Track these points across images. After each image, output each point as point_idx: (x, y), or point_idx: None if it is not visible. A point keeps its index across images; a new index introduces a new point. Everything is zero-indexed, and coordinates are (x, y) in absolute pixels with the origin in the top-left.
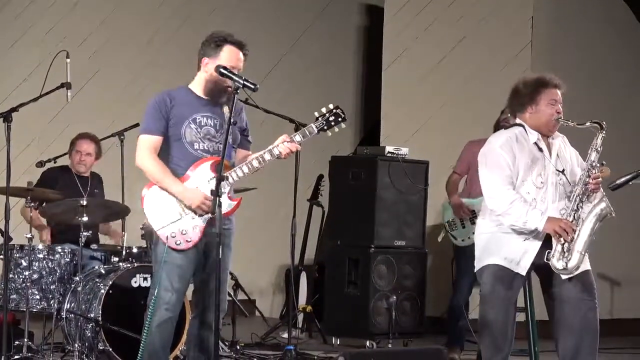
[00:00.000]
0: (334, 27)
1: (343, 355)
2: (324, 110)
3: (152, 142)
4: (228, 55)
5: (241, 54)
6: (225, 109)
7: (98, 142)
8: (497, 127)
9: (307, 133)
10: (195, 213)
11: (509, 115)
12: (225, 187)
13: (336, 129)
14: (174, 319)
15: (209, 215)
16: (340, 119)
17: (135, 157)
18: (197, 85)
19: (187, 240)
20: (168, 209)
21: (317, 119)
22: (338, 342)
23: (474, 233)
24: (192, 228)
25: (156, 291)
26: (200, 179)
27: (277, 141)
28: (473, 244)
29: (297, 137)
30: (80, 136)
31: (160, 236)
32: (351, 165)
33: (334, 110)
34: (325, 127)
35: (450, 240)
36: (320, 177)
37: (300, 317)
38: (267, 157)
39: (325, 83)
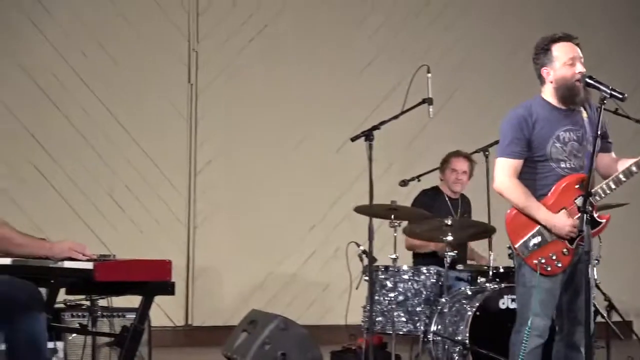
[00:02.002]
0: None
1: None
2: None
3: (512, 165)
4: (561, 52)
5: (571, 44)
6: (584, 115)
7: (472, 160)
8: None
9: None
10: (563, 239)
11: None
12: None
13: None
14: (542, 344)
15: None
16: None
17: (494, 180)
18: (550, 97)
19: (557, 265)
20: (533, 233)
21: None
22: None
23: None
24: (561, 252)
25: (528, 318)
26: (566, 199)
27: None
28: None
29: None
30: (455, 154)
31: (527, 262)
32: None
33: None
34: None
35: None
36: None
37: None
38: (634, 169)
39: None
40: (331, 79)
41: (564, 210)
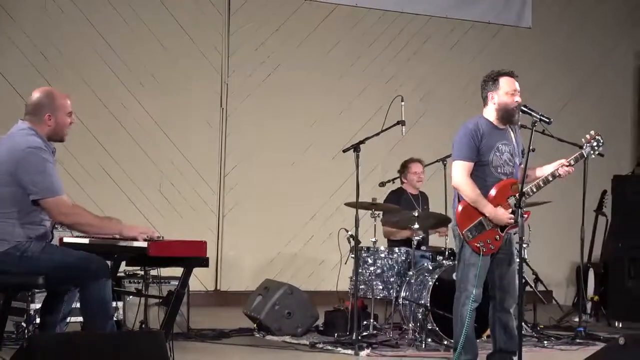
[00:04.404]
0: (615, 71)
1: (623, 336)
2: (588, 137)
3: (467, 167)
4: (506, 84)
5: (513, 79)
6: (512, 135)
7: (423, 162)
8: None
9: (579, 157)
10: (500, 228)
11: None
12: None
13: (597, 153)
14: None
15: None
16: (601, 144)
17: (452, 179)
18: (491, 116)
19: (490, 248)
20: (476, 223)
21: (584, 145)
22: (620, 325)
23: None
24: (494, 238)
25: (467, 288)
26: (502, 198)
27: (556, 164)
28: None
29: (572, 162)
30: (411, 160)
31: (470, 244)
32: (631, 183)
33: (597, 137)
34: (591, 152)
35: None
36: (604, 192)
37: (589, 305)
38: (550, 178)
39: (605, 115)
40: (330, 104)
41: (500, 206)
